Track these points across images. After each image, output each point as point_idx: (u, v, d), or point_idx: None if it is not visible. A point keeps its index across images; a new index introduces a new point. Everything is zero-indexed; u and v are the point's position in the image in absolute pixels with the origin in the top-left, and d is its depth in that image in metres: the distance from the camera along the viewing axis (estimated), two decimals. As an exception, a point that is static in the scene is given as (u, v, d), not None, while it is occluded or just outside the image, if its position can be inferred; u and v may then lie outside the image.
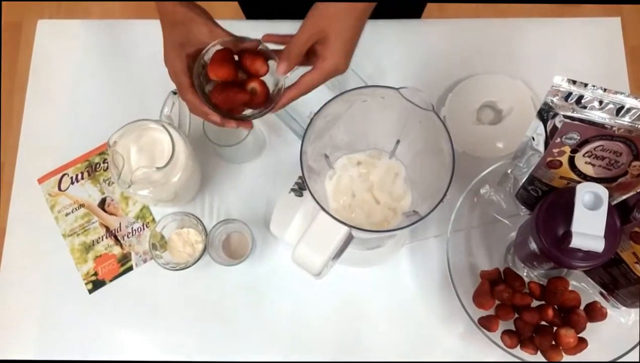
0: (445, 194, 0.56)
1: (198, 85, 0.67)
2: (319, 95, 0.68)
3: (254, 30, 0.96)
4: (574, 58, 0.94)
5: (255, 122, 0.85)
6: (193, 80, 0.67)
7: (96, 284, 0.86)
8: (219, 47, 0.67)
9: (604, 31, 0.96)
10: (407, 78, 0.93)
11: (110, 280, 0.86)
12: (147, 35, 0.97)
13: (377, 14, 0.97)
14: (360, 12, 0.64)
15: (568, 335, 0.73)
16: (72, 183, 0.90)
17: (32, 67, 0.97)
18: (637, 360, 0.75)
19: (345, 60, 0.65)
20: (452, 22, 0.98)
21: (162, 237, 0.83)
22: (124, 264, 0.87)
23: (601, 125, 0.61)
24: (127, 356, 0.84)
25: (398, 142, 0.71)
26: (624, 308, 0.75)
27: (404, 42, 0.95)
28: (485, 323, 0.76)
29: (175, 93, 0.82)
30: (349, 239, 0.60)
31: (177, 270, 0.80)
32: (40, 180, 0.90)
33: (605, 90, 0.60)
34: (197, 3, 0.69)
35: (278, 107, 0.68)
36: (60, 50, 0.98)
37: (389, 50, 0.94)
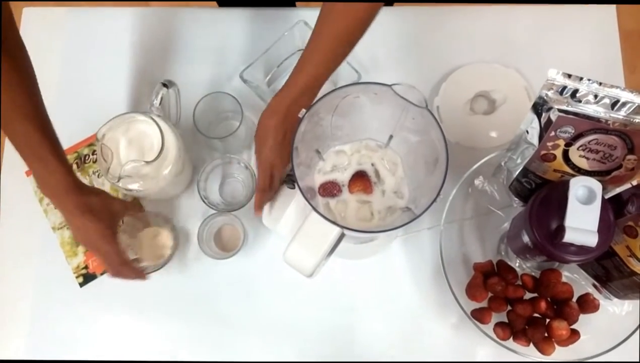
0: (438, 194, 0.56)
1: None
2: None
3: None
4: (568, 45, 0.93)
5: (248, 113, 0.84)
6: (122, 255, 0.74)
7: (87, 278, 0.85)
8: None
9: (599, 18, 0.95)
10: (401, 67, 0.92)
11: (101, 274, 0.86)
12: (135, 23, 0.95)
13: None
14: (280, 125, 0.68)
15: (560, 327, 0.73)
16: (61, 175, 0.89)
17: (18, 56, 0.95)
18: (637, 360, 0.76)
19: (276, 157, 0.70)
20: (445, 9, 0.96)
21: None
22: (115, 257, 0.86)
23: (596, 119, 0.60)
24: (118, 349, 0.83)
25: (391, 137, 0.70)
26: (616, 299, 0.75)
27: (397, 30, 0.94)
28: (478, 316, 0.76)
29: (165, 85, 0.80)
30: (341, 237, 0.60)
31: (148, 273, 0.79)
32: (28, 173, 0.89)
33: (600, 84, 0.59)
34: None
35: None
36: (46, 39, 0.96)
37: (382, 39, 0.93)
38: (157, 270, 0.80)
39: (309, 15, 0.92)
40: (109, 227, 0.72)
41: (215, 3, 1.06)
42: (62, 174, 0.68)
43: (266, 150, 0.68)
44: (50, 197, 0.70)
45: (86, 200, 0.70)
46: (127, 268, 0.74)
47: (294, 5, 1.08)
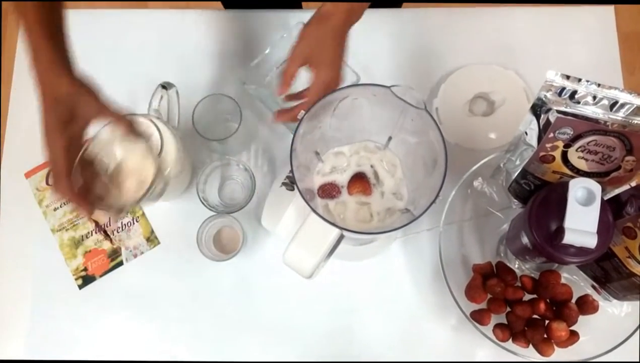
0: (437, 195, 0.56)
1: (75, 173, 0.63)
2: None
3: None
4: (567, 46, 0.93)
5: (247, 115, 0.84)
6: (72, 167, 0.63)
7: (86, 280, 0.85)
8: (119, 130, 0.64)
9: (597, 19, 0.95)
10: (400, 68, 0.92)
11: (101, 276, 0.85)
12: (134, 26, 0.96)
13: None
14: (340, 35, 0.72)
15: (560, 329, 0.73)
16: (60, 177, 0.89)
17: (18, 57, 0.95)
18: (637, 361, 0.76)
19: (336, 73, 0.72)
20: (444, 10, 0.96)
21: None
22: (114, 259, 0.86)
23: (595, 120, 0.60)
24: (117, 350, 0.83)
25: (390, 139, 0.70)
26: (615, 300, 0.75)
27: (396, 32, 0.94)
28: (478, 317, 0.76)
29: (164, 87, 0.80)
30: (340, 239, 0.60)
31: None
32: (28, 175, 0.89)
33: (599, 85, 0.59)
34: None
35: (289, 117, 0.74)
36: (45, 41, 0.96)
37: (381, 40, 0.93)
38: (125, 211, 0.73)
39: (308, 17, 0.93)
40: (62, 128, 0.62)
41: (220, 4, 1.06)
42: (48, 50, 0.61)
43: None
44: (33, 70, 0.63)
45: (59, 85, 0.61)
46: (69, 190, 0.63)
47: (300, 7, 1.08)
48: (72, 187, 0.63)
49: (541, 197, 0.66)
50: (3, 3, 1.74)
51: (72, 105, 0.62)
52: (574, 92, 0.60)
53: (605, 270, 0.71)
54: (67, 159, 0.62)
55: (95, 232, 0.87)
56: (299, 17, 0.91)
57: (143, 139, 0.68)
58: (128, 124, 0.65)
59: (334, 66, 0.72)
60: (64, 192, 0.63)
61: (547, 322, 0.75)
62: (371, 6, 0.94)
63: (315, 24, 0.72)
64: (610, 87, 0.59)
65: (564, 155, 0.64)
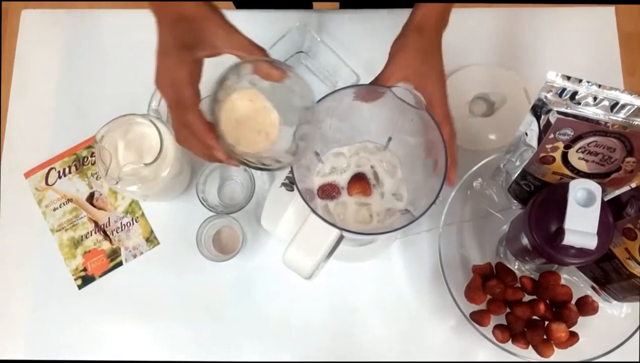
0: (437, 196, 0.56)
1: (209, 110, 0.50)
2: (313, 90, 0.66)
3: (245, 20, 0.95)
4: (567, 47, 0.93)
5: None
6: (199, 97, 0.51)
7: (85, 280, 0.85)
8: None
9: (598, 19, 0.95)
10: (399, 69, 0.92)
11: (100, 276, 0.85)
12: (134, 25, 0.95)
13: (370, 4, 0.96)
14: (440, 44, 0.64)
15: (559, 330, 0.73)
16: (60, 177, 0.89)
17: (17, 58, 0.95)
18: (638, 360, 0.76)
19: (445, 85, 0.65)
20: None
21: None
22: (114, 259, 0.86)
23: (595, 121, 0.60)
24: (117, 350, 0.83)
25: (390, 139, 0.70)
26: (615, 302, 0.75)
27: (396, 33, 0.94)
28: (477, 318, 0.76)
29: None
30: (340, 240, 0.60)
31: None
32: (27, 175, 0.89)
33: (599, 86, 0.59)
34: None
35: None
36: (45, 41, 0.96)
37: (381, 41, 0.92)
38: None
39: (308, 17, 0.93)
40: (186, 52, 0.51)
41: (231, 4, 1.06)
42: None
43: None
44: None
45: (183, 4, 0.52)
46: (202, 123, 0.51)
47: (311, 7, 1.07)
48: (205, 124, 0.51)
49: (541, 198, 0.66)
50: (3, 3, 1.74)
51: (197, 28, 0.53)
52: (575, 93, 0.60)
53: (605, 271, 0.71)
54: (194, 87, 0.52)
55: (95, 232, 0.87)
56: (310, 17, 0.91)
57: (290, 77, 0.55)
58: (269, 63, 0.53)
59: (444, 77, 0.65)
60: (195, 126, 0.50)
61: (546, 323, 0.75)
62: (378, 6, 0.94)
63: (414, 35, 0.65)
64: (611, 88, 0.59)
65: (564, 156, 0.64)
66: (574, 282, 0.78)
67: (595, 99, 0.60)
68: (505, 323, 0.77)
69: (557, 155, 0.64)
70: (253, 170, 0.83)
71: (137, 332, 0.84)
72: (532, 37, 0.93)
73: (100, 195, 0.88)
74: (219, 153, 0.51)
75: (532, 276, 0.78)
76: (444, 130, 0.59)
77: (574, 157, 0.64)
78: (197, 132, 0.51)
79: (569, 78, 0.60)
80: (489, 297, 0.77)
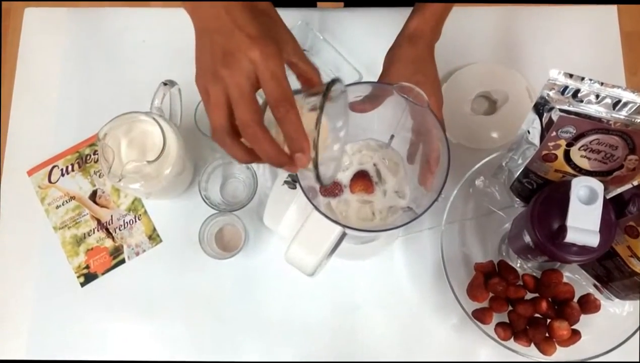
0: (440, 193, 0.56)
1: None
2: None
3: None
4: (569, 46, 0.93)
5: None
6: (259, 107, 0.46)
7: (88, 277, 0.85)
8: None
9: (600, 19, 0.95)
10: (402, 67, 0.92)
11: (103, 274, 0.85)
12: (136, 23, 0.96)
13: (372, 2, 0.96)
14: (433, 53, 0.67)
15: (561, 328, 0.73)
16: (63, 175, 0.89)
17: (20, 56, 0.95)
18: (638, 361, 0.76)
19: (441, 93, 0.67)
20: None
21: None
22: (116, 257, 0.86)
23: (597, 119, 0.60)
24: (118, 349, 0.83)
25: (392, 137, 0.70)
26: (617, 300, 0.75)
27: (399, 30, 0.94)
28: (479, 316, 0.76)
29: (165, 84, 0.80)
30: (342, 237, 0.60)
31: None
32: (30, 172, 0.89)
33: (602, 84, 0.59)
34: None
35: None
36: (48, 39, 0.96)
37: (383, 40, 0.92)
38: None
39: (310, 15, 0.93)
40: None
41: None
42: None
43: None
44: None
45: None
46: (268, 139, 0.45)
47: (315, 6, 1.07)
48: (270, 136, 0.45)
49: (543, 196, 0.66)
50: (6, 2, 1.74)
51: (274, 26, 0.52)
52: (577, 91, 0.60)
53: (608, 269, 0.71)
54: (253, 93, 0.45)
55: (97, 230, 0.87)
56: (312, 15, 0.91)
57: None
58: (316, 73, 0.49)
59: (438, 85, 0.67)
60: (298, 123, 0.44)
61: (548, 321, 0.75)
62: (379, 5, 0.94)
63: (408, 45, 0.67)
64: (613, 86, 0.59)
65: (567, 154, 0.64)
66: (576, 280, 0.78)
67: (597, 96, 0.60)
68: (508, 321, 0.77)
69: (560, 153, 0.64)
70: (255, 168, 0.84)
71: (139, 329, 0.84)
72: (534, 36, 0.93)
73: (103, 193, 0.88)
74: (305, 158, 0.45)
75: (535, 274, 0.78)
76: None
77: (576, 154, 0.64)
78: (297, 131, 0.44)
79: (571, 76, 0.60)
80: (491, 295, 0.77)
